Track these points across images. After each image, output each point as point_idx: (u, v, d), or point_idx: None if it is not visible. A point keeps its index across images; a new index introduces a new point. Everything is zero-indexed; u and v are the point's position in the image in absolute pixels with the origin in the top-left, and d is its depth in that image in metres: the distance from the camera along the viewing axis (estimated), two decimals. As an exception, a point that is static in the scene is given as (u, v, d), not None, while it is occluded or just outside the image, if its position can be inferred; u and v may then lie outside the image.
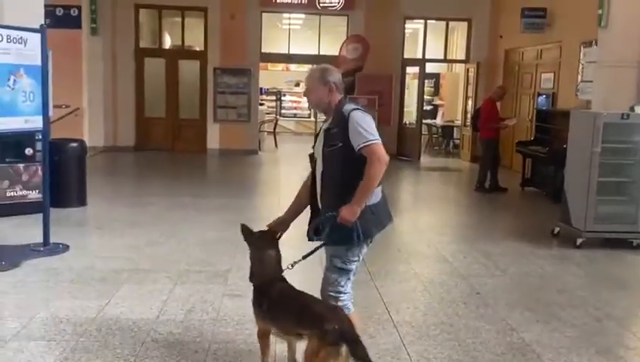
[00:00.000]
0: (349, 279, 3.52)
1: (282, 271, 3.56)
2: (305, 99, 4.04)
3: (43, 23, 6.27)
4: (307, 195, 3.68)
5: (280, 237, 3.71)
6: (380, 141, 3.34)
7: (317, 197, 3.57)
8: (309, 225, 3.60)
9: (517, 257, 6.62)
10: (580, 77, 10.95)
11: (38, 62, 5.98)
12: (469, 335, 4.43)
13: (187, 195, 9.42)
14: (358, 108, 3.43)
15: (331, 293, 3.49)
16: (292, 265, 3.54)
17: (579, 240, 7.05)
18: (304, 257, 3.51)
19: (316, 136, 3.73)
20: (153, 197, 9.24)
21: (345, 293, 3.51)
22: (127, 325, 4.37)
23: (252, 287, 3.59)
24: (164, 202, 8.80)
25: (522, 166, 11.42)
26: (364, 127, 3.32)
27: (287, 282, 3.52)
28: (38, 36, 5.99)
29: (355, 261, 3.49)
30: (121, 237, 6.79)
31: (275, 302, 3.40)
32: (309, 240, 3.52)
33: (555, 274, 6.05)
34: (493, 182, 10.86)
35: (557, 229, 7.56)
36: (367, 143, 3.30)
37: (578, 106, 10.50)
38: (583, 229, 7.04)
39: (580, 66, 10.88)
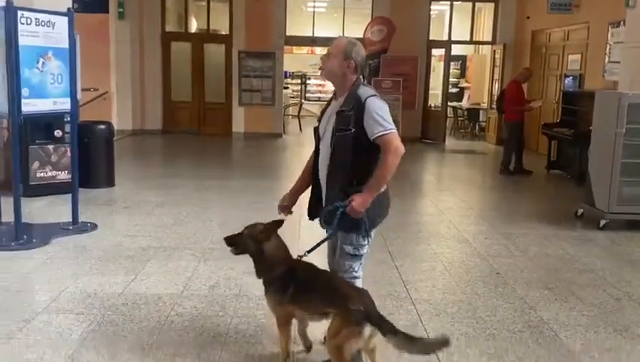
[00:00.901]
0: (360, 264, 3.52)
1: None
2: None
3: (70, 7, 6.40)
4: (310, 173, 3.64)
5: (289, 213, 3.72)
6: (396, 131, 3.29)
7: (318, 173, 3.53)
8: (309, 203, 3.63)
9: (538, 238, 6.62)
10: (607, 58, 10.79)
11: (66, 45, 6.11)
12: (487, 312, 4.48)
13: (212, 177, 9.58)
14: (375, 95, 3.34)
15: (347, 278, 3.49)
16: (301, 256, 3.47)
17: (602, 222, 7.02)
18: (311, 250, 3.45)
19: (323, 111, 3.63)
20: (179, 179, 9.41)
21: (359, 278, 3.53)
22: (153, 300, 4.51)
23: (264, 280, 3.50)
24: (190, 184, 8.95)
25: (548, 148, 11.31)
26: (382, 115, 3.26)
27: (304, 261, 3.50)
28: (65, 19, 6.12)
29: (366, 245, 3.48)
30: (148, 217, 6.95)
31: (301, 283, 3.36)
32: (322, 227, 3.53)
33: (576, 255, 6.05)
34: (517, 165, 10.80)
35: (580, 211, 7.53)
36: (384, 133, 3.24)
37: (605, 87, 10.37)
38: (606, 211, 7.01)
39: (608, 47, 10.73)
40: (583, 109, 10.28)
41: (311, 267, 3.46)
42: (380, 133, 3.25)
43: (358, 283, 3.51)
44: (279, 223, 3.49)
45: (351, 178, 3.34)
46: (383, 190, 3.40)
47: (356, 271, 3.51)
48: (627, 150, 6.88)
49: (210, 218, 6.97)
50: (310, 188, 3.66)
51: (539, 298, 4.81)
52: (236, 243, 3.52)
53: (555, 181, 10.55)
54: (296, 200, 3.74)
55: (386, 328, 3.07)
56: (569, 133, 10.30)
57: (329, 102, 3.64)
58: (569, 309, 4.60)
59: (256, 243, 3.45)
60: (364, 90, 3.37)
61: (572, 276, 5.39)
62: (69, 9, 6.25)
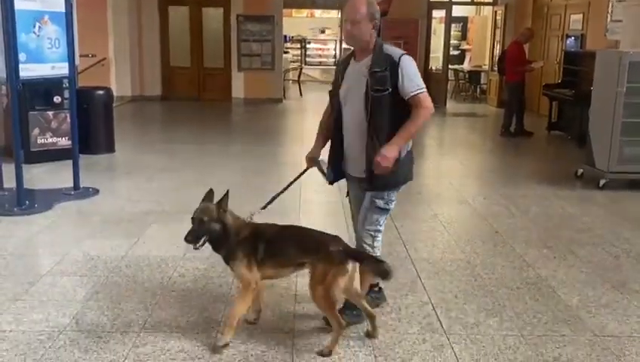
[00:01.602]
0: (386, 218, 3.61)
1: None
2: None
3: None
4: (330, 127, 3.64)
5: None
6: (426, 91, 3.36)
7: (341, 136, 3.56)
8: (328, 162, 3.67)
9: (538, 199, 6.65)
10: (609, 17, 10.67)
11: (62, 9, 6.06)
12: (486, 271, 4.53)
13: (213, 143, 9.60)
14: (405, 53, 3.38)
15: (370, 232, 3.55)
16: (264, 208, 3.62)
17: (602, 181, 7.04)
18: (264, 206, 3.62)
19: (338, 75, 3.61)
20: (180, 144, 9.42)
21: (381, 232, 3.62)
22: (155, 261, 4.57)
23: (227, 251, 3.45)
24: (191, 149, 8.97)
25: (549, 109, 11.27)
26: (416, 73, 3.35)
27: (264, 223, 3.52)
28: (60, -17, 6.06)
29: (394, 200, 3.57)
30: (149, 182, 6.98)
31: (271, 240, 3.39)
32: (364, 190, 3.54)
33: (575, 214, 6.09)
34: (518, 126, 10.78)
35: (580, 171, 7.54)
36: (419, 91, 3.31)
37: (607, 47, 10.28)
38: (606, 170, 7.02)
39: (610, 6, 10.59)
40: (584, 70, 10.20)
41: (274, 225, 3.50)
42: (416, 92, 3.30)
43: (380, 238, 3.61)
44: (226, 195, 3.48)
45: (391, 137, 3.35)
46: (409, 148, 3.50)
47: (381, 225, 3.59)
48: (627, 109, 6.86)
49: (211, 183, 6.88)
50: (330, 149, 3.67)
51: (537, 256, 4.86)
52: (200, 234, 3.41)
53: (556, 142, 10.54)
54: (320, 153, 3.76)
55: (369, 263, 3.30)
56: (570, 93, 10.25)
57: (344, 64, 3.61)
58: (567, 267, 4.65)
59: (220, 221, 3.42)
60: (392, 49, 3.39)
61: (571, 234, 5.43)
62: (63, -27, 6.16)
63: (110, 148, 8.53)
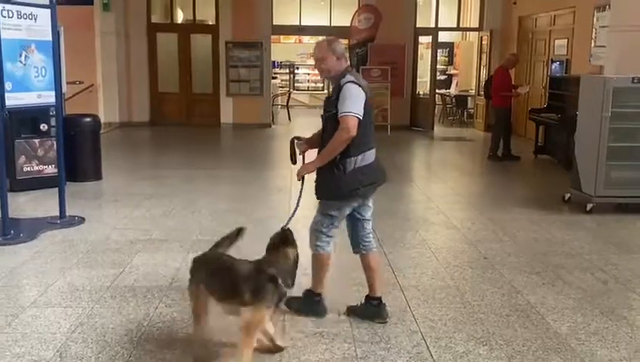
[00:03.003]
0: (331, 224, 3.95)
1: None
2: (316, 71, 4.37)
3: (52, -1, 6.32)
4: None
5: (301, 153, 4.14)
6: (356, 117, 3.65)
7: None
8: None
9: (526, 223, 6.66)
10: (593, 42, 10.82)
11: (49, 37, 6.06)
12: (475, 297, 4.51)
13: (201, 168, 9.58)
14: (353, 82, 3.77)
15: (314, 229, 4.01)
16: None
17: (589, 206, 7.07)
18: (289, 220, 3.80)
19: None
20: (168, 170, 9.40)
21: (323, 234, 3.97)
22: (141, 292, 4.51)
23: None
24: (179, 175, 8.93)
25: (535, 133, 11.35)
26: (352, 98, 3.70)
27: None
28: (48, 12, 6.06)
29: (335, 211, 3.91)
30: (136, 209, 6.93)
31: None
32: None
33: (563, 239, 6.09)
34: (505, 151, 10.85)
35: (568, 195, 7.57)
36: (345, 114, 3.67)
37: (592, 72, 10.40)
38: (593, 194, 7.06)
39: (594, 32, 10.74)
40: (569, 94, 10.32)
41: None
42: (342, 114, 3.69)
43: (322, 239, 3.97)
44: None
45: None
46: (369, 162, 3.85)
47: (323, 227, 3.96)
48: (613, 134, 6.92)
49: (198, 209, 6.96)
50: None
51: (526, 282, 4.85)
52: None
53: (543, 166, 10.61)
54: (308, 149, 4.13)
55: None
56: (556, 118, 10.35)
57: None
58: (556, 293, 4.64)
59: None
60: (347, 78, 3.81)
61: (559, 260, 5.43)
62: (51, 1, 6.17)
63: (97, 175, 8.47)
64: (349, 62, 3.99)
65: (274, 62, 15.94)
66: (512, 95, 10.83)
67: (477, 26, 15.64)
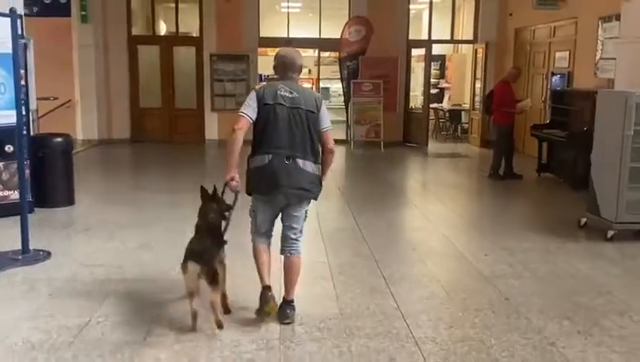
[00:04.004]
0: (253, 218, 4.36)
1: None
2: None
3: (13, 6, 5.60)
4: None
5: None
6: (242, 115, 4.11)
7: None
8: None
9: (544, 253, 6.03)
10: (598, 54, 10.29)
11: (8, 50, 5.35)
12: (504, 353, 3.83)
13: (185, 191, 8.71)
14: (258, 87, 4.35)
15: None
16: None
17: (610, 233, 6.45)
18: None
19: None
20: (148, 193, 8.68)
21: (251, 226, 4.38)
22: (109, 349, 3.79)
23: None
24: (161, 200, 8.22)
25: (538, 151, 10.74)
26: (245, 101, 4.19)
27: None
28: (7, 21, 5.36)
29: (252, 205, 4.37)
30: (110, 241, 6.21)
31: None
32: None
33: (589, 274, 5.45)
34: (507, 169, 10.24)
35: (584, 220, 6.96)
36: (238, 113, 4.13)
37: (598, 86, 9.86)
38: (613, 220, 6.44)
39: (599, 43, 10.22)
40: (575, 109, 9.78)
41: None
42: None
43: (251, 229, 4.40)
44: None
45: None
46: (260, 165, 4.16)
47: (250, 221, 4.39)
48: (636, 153, 6.32)
49: (181, 240, 6.18)
50: None
51: (559, 330, 4.19)
52: None
53: (548, 185, 10.00)
54: None
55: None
56: (562, 134, 9.74)
57: None
58: (596, 344, 3.98)
59: None
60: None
61: (589, 300, 4.78)
62: (11, 9, 5.45)
63: (69, 200, 7.73)
64: (284, 74, 4.29)
65: (261, 75, 15.27)
66: (514, 111, 10.14)
67: (471, 38, 15.09)
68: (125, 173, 11.30)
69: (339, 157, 13.44)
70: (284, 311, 4.20)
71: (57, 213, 7.34)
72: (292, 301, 4.26)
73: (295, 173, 4.06)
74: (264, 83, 4.19)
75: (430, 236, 6.81)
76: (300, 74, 4.33)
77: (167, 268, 5.25)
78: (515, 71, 10.61)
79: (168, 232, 6.47)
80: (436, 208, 8.42)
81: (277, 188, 4.09)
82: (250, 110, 4.09)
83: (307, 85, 20.63)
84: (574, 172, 9.24)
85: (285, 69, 4.23)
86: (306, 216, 4.29)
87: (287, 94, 4.11)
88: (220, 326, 3.98)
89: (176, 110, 14.50)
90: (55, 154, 7.65)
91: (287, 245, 4.25)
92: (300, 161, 4.08)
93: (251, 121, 4.10)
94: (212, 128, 14.24)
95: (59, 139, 7.80)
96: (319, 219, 7.18)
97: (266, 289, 4.19)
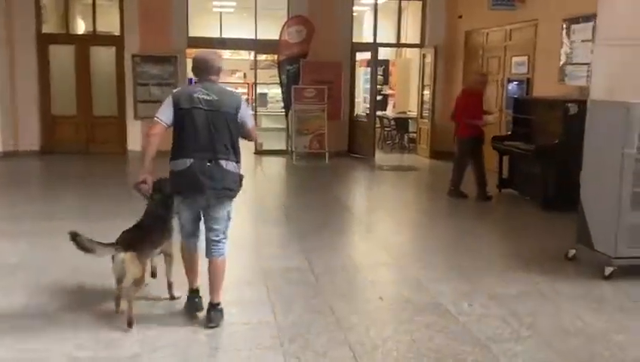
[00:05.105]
0: (178, 219, 4.44)
1: None
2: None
3: None
4: None
5: None
6: (157, 120, 4.14)
7: None
8: None
9: (538, 299, 4.97)
10: (562, 59, 9.45)
11: None
12: None
13: (103, 217, 7.21)
14: (175, 91, 4.29)
15: None
16: None
17: (608, 270, 5.45)
18: None
19: None
20: (55, 221, 7.00)
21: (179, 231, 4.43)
22: None
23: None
24: (68, 227, 6.67)
25: (499, 165, 9.75)
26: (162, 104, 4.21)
27: None
28: None
29: (177, 211, 4.41)
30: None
31: None
32: None
33: (601, 329, 4.38)
34: (481, 191, 9.05)
35: (572, 252, 5.97)
36: None
37: (566, 94, 9.03)
38: (612, 255, 5.44)
39: (564, 47, 9.37)
40: (539, 119, 8.87)
41: None
42: None
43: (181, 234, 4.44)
44: None
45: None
46: (180, 169, 4.17)
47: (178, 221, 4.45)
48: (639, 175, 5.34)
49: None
50: None
51: None
52: None
53: (514, 204, 9.01)
54: None
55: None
56: (526, 147, 8.78)
57: None
58: None
59: None
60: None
61: (615, 370, 3.71)
62: None
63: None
64: (203, 77, 4.24)
65: (190, 79, 13.82)
66: (480, 124, 8.94)
67: (418, 41, 14.12)
68: (30, 193, 9.39)
69: (280, 171, 12.15)
70: (209, 315, 4.22)
71: None
72: (218, 304, 4.26)
73: (217, 174, 4.09)
74: (184, 86, 3.91)
75: (397, 278, 5.63)
76: (219, 76, 4.26)
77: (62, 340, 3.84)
78: (479, 77, 9.42)
79: (70, 277, 5.02)
80: (397, 237, 7.24)
81: (197, 190, 4.12)
82: (164, 115, 4.11)
83: (242, 90, 19.33)
84: (544, 190, 8.33)
85: (203, 71, 4.22)
86: (229, 218, 4.28)
87: (205, 97, 4.11)
88: (129, 324, 4.07)
89: (94, 118, 12.87)
90: None
91: (210, 247, 4.28)
92: (223, 162, 4.12)
93: (166, 126, 4.13)
94: (135, 138, 12.62)
95: None
96: (262, 255, 5.93)
97: (193, 293, 4.42)
